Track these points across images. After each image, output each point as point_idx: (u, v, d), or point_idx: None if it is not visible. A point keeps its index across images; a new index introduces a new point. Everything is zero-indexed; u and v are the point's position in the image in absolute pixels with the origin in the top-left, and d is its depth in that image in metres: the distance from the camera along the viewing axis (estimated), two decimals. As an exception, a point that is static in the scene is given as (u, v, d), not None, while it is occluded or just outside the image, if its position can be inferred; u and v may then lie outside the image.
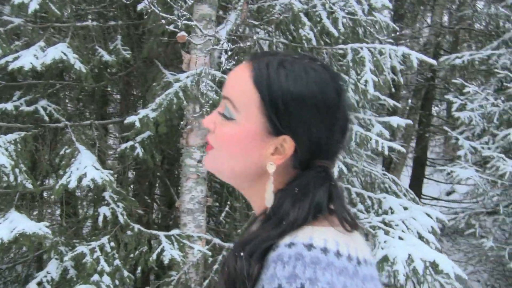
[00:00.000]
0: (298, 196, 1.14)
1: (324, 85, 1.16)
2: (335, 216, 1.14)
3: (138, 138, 5.37)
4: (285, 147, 1.16)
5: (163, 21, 4.74)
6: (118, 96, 7.38)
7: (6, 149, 4.81)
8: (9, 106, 5.22)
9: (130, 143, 5.28)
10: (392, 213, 5.36)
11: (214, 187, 6.10)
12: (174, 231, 5.08)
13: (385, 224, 5.08)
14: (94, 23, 5.78)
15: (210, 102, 4.99)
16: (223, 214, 5.67)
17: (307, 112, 1.14)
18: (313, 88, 1.14)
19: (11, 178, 4.71)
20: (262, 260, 1.07)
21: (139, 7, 5.09)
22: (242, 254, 1.10)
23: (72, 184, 4.70)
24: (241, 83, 1.19)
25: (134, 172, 6.84)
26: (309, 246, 1.04)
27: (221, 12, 5.86)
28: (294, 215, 1.10)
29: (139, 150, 5.29)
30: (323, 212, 1.13)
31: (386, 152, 5.19)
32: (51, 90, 5.80)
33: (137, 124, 4.86)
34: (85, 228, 6.28)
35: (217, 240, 5.33)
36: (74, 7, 5.80)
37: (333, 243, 1.06)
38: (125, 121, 4.95)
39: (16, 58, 5.03)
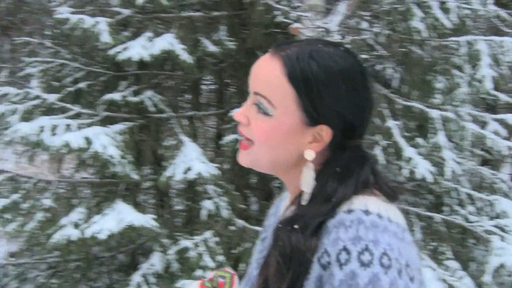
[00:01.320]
0: (342, 175, 1.20)
1: (351, 70, 1.21)
2: (378, 189, 1.20)
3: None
4: (322, 135, 1.21)
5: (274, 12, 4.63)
6: (215, 87, 7.31)
7: (114, 139, 4.80)
8: (117, 96, 5.23)
9: (233, 136, 5.18)
10: (506, 217, 5.05)
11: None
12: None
13: (501, 229, 4.80)
14: (198, 13, 5.72)
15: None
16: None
17: (341, 99, 1.19)
18: (343, 75, 1.19)
19: (118, 168, 4.70)
20: (317, 233, 1.13)
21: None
22: (296, 229, 1.15)
23: (178, 177, 4.65)
24: (274, 79, 1.21)
25: (231, 165, 6.74)
26: (367, 212, 1.11)
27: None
28: (343, 192, 1.16)
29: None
30: (369, 187, 1.20)
31: (506, 152, 4.90)
32: (155, 81, 5.79)
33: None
34: (177, 221, 6.23)
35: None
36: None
37: (384, 210, 1.13)
38: (231, 114, 4.85)
39: (125, 49, 5.02)
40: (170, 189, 6.07)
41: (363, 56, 5.24)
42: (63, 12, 5.30)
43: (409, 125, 5.26)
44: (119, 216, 4.48)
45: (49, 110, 5.31)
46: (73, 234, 4.50)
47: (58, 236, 4.54)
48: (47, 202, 4.86)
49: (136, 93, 5.41)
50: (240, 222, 4.99)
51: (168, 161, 4.95)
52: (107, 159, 4.62)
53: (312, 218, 1.15)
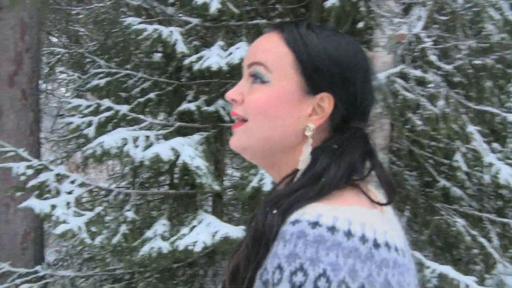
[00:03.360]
0: (336, 154, 1.11)
1: (353, 48, 1.17)
2: (367, 184, 1.11)
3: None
4: (323, 106, 1.14)
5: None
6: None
7: (197, 149, 4.78)
8: (191, 106, 5.21)
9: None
10: None
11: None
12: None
13: None
14: (264, 21, 5.71)
15: (400, 103, 4.84)
16: (404, 220, 5.50)
17: (343, 69, 1.14)
18: (345, 48, 1.15)
19: (204, 179, 4.68)
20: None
21: (328, 3, 4.94)
22: (274, 211, 1.04)
23: (268, 187, 4.62)
24: (271, 45, 1.17)
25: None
26: (314, 224, 0.97)
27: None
28: (333, 173, 1.07)
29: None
30: (357, 174, 1.10)
31: None
32: (223, 89, 5.77)
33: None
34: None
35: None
36: (246, 6, 5.72)
37: (343, 222, 0.97)
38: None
39: (199, 58, 5.00)
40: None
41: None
42: (133, 22, 5.28)
43: (483, 130, 5.25)
44: (210, 228, 4.45)
45: (121, 122, 5.29)
46: (164, 246, 4.47)
47: (147, 249, 4.51)
48: (130, 214, 4.83)
49: (208, 103, 5.39)
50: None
51: (247, 171, 4.92)
52: (193, 170, 4.60)
53: (297, 200, 1.04)
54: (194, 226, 4.56)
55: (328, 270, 0.92)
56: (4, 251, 6.38)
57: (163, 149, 4.51)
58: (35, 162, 4.76)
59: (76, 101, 5.33)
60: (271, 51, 1.17)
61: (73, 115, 5.36)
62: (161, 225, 4.73)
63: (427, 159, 5.97)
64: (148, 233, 4.65)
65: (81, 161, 6.82)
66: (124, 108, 5.27)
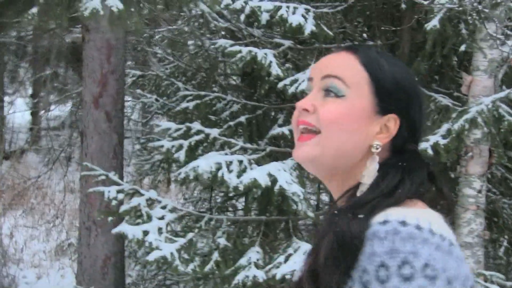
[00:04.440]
0: (405, 170, 1.15)
1: (412, 75, 1.25)
2: (431, 198, 1.17)
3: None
4: (389, 126, 1.20)
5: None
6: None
7: (291, 175, 4.63)
8: (285, 130, 5.08)
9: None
10: None
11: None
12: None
13: None
14: (356, 42, 5.56)
15: (504, 128, 4.62)
16: (502, 250, 5.23)
17: (407, 94, 1.20)
18: (407, 75, 1.23)
19: (300, 206, 4.53)
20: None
21: (429, 26, 4.75)
22: (360, 215, 1.07)
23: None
24: (348, 62, 1.21)
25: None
26: (403, 223, 1.02)
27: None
28: (408, 185, 1.12)
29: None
30: (424, 192, 1.15)
31: None
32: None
33: (430, 151, 4.55)
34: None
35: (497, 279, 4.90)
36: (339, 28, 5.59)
37: (425, 222, 1.04)
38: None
39: (294, 81, 4.87)
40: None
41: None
42: (225, 44, 5.20)
43: None
44: (309, 257, 4.27)
45: (212, 145, 5.19)
46: (259, 275, 4.32)
47: (241, 277, 4.37)
48: (222, 241, 4.70)
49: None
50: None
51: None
52: (290, 196, 4.45)
53: (377, 206, 1.08)
54: (290, 254, 4.41)
55: (430, 260, 0.99)
56: (86, 275, 6.35)
57: (260, 175, 4.38)
58: (126, 186, 4.70)
59: (166, 124, 5.25)
60: (349, 68, 1.21)
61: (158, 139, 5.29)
62: (254, 253, 4.59)
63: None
64: (242, 261, 4.51)
65: (163, 184, 6.77)
66: (214, 132, 5.16)
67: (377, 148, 1.19)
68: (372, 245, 1.02)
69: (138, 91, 8.40)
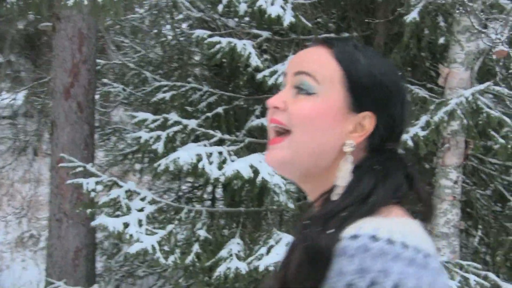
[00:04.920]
0: (381, 175, 1.10)
1: (393, 70, 1.19)
2: (410, 201, 1.12)
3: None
4: (364, 124, 1.14)
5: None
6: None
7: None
8: (264, 121, 5.05)
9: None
10: None
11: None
12: (443, 258, 4.75)
13: None
14: (332, 35, 5.57)
15: (483, 120, 4.69)
16: (476, 240, 5.32)
17: (386, 90, 1.14)
18: (388, 70, 1.17)
19: (281, 198, 4.52)
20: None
21: (408, 18, 4.76)
22: (331, 230, 1.01)
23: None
24: (321, 58, 1.16)
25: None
26: (374, 237, 0.97)
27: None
28: (382, 193, 1.07)
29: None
30: (401, 197, 1.10)
31: None
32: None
33: (410, 142, 4.59)
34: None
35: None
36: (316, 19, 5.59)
37: (398, 234, 0.99)
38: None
39: (273, 73, 4.86)
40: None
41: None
42: (202, 34, 5.15)
43: None
44: (291, 248, 4.27)
45: (189, 137, 5.14)
46: (241, 267, 4.30)
47: (223, 269, 4.35)
48: (202, 233, 4.67)
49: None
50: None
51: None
52: (272, 187, 4.44)
53: (349, 216, 1.03)
54: (272, 246, 4.40)
55: (401, 279, 0.93)
56: (56, 267, 6.25)
57: (243, 166, 4.36)
58: (104, 177, 4.62)
59: (142, 115, 5.18)
60: (321, 63, 1.15)
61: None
62: (235, 244, 4.57)
63: (496, 178, 5.82)
64: (222, 253, 4.49)
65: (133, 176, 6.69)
66: (192, 123, 5.11)
67: (350, 147, 1.13)
68: (341, 262, 0.97)
69: (105, 80, 8.25)
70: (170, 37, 7.29)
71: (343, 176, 1.11)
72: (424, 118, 4.73)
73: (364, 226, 1.00)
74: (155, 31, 7.71)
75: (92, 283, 6.35)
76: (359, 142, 1.14)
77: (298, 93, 1.16)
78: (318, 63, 1.16)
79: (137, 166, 6.70)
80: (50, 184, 6.40)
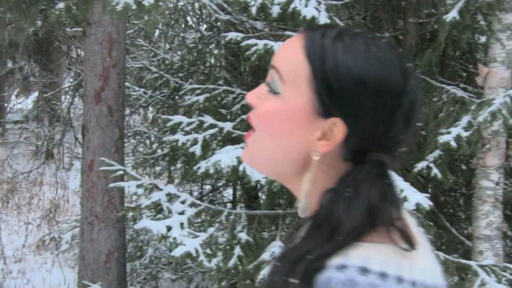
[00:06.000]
0: (350, 197, 0.92)
1: (388, 65, 0.95)
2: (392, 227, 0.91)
3: (430, 158, 5.02)
4: (334, 131, 0.96)
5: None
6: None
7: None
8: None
9: (425, 162, 4.94)
10: None
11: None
12: (488, 261, 4.69)
13: None
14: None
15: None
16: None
17: (365, 93, 0.93)
18: (374, 66, 0.94)
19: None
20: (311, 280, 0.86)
21: (448, 17, 4.71)
22: (295, 280, 0.87)
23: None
24: (290, 51, 0.99)
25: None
26: (364, 270, 0.84)
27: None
28: (350, 224, 0.89)
29: (436, 171, 4.93)
30: (379, 219, 0.90)
31: None
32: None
33: (453, 143, 4.53)
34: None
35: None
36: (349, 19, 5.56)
37: (393, 266, 0.86)
38: (440, 140, 4.60)
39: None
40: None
41: None
42: (235, 37, 5.12)
43: None
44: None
45: (225, 140, 5.11)
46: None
47: (266, 272, 4.31)
48: (243, 236, 4.63)
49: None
50: (442, 255, 4.74)
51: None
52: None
53: (313, 262, 0.88)
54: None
55: None
56: (88, 270, 6.25)
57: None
58: (145, 181, 4.59)
59: (178, 118, 5.15)
60: (289, 59, 1.00)
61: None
62: (277, 247, 4.52)
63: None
64: (265, 255, 4.45)
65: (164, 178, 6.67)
66: (228, 125, 5.08)
67: (316, 156, 0.97)
68: None
69: (127, 83, 8.26)
70: (190, 40, 7.29)
71: (304, 189, 0.98)
72: (465, 119, 4.67)
73: (353, 254, 0.87)
74: (174, 34, 7.73)
75: (123, 285, 6.34)
76: (327, 151, 0.97)
77: (268, 91, 1.02)
78: (287, 58, 1.00)
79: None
80: (81, 188, 6.41)
